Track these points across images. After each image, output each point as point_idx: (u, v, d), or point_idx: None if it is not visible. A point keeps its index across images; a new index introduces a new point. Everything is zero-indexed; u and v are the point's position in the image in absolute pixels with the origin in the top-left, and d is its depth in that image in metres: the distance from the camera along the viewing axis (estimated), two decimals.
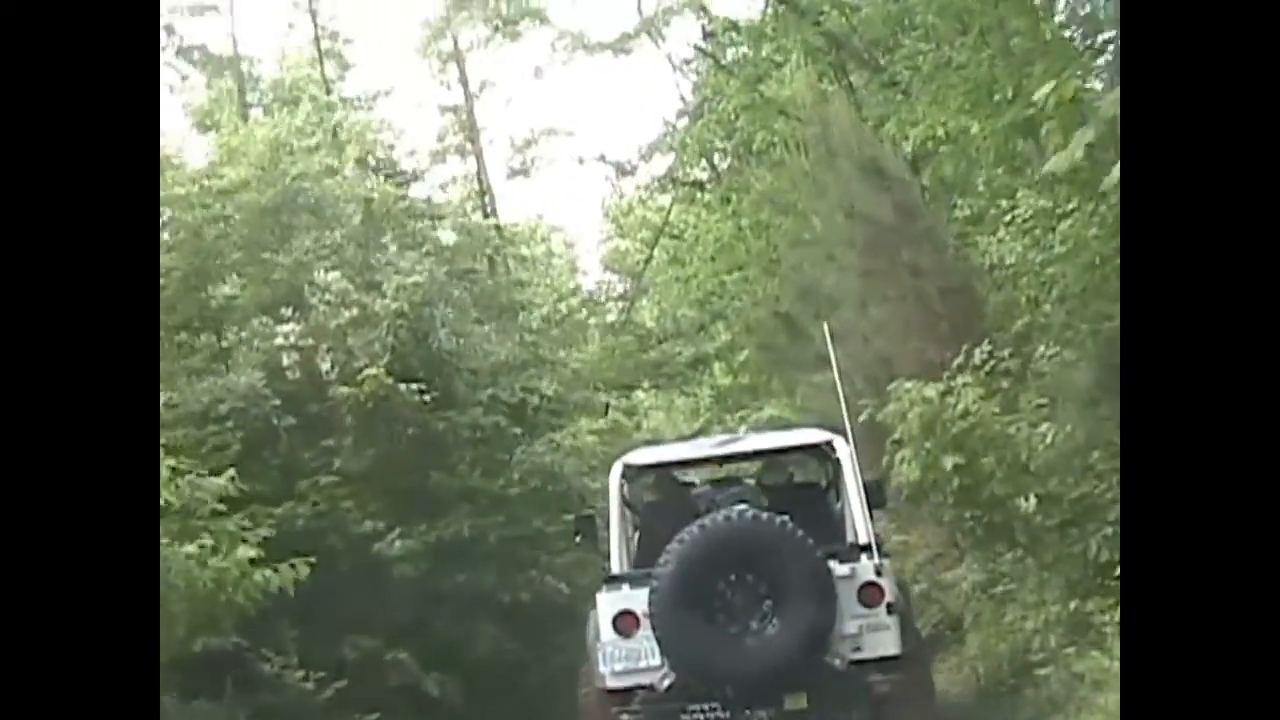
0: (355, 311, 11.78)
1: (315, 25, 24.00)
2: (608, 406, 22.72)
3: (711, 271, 22.67)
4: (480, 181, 25.83)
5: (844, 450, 8.80)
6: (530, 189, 43.24)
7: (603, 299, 27.43)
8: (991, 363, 9.29)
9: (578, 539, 9.75)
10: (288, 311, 12.02)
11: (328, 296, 12.04)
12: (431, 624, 11.82)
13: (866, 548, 8.20)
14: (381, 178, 14.93)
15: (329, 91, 21.13)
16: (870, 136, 13.53)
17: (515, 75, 28.16)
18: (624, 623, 8.10)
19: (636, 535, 9.24)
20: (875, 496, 9.01)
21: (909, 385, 9.14)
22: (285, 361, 11.58)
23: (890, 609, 8.04)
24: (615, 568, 8.59)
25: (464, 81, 25.82)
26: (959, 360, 9.26)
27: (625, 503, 9.21)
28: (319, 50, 23.82)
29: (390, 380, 10.97)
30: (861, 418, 9.27)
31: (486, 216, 25.44)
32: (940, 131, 13.11)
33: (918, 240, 12.44)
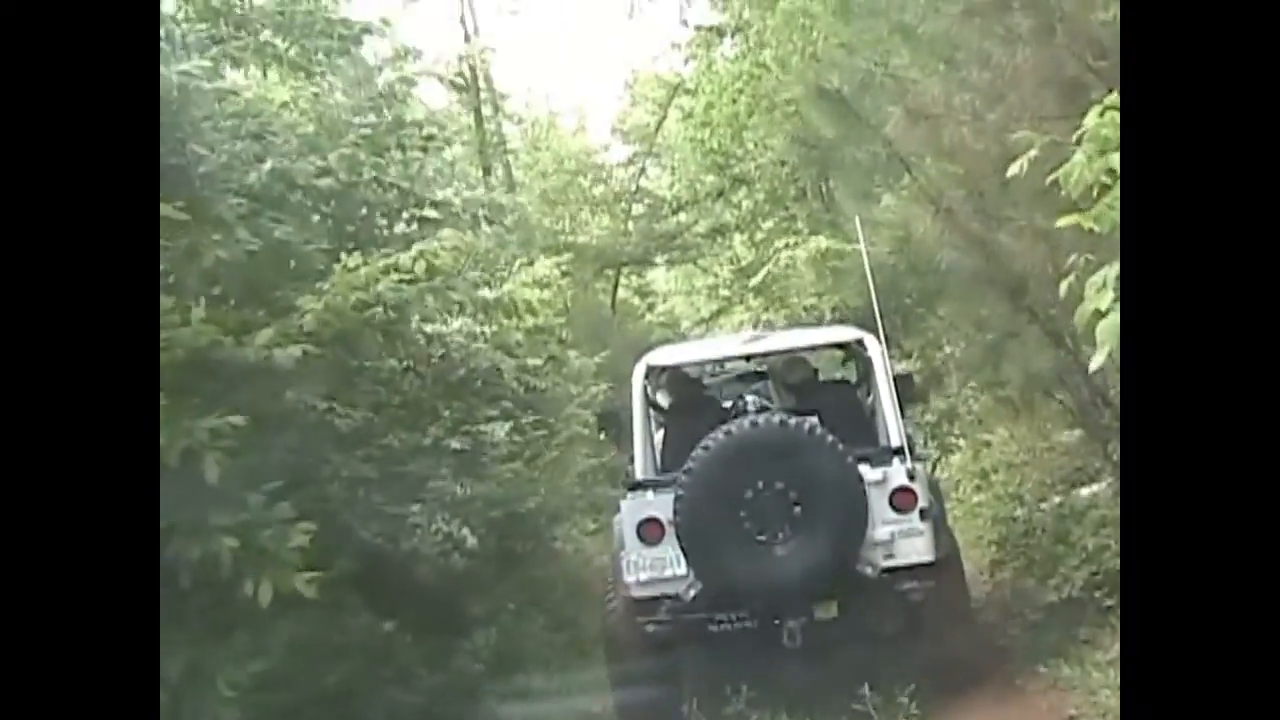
0: None
1: None
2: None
3: (730, 116, 19.62)
4: (464, 24, 20.87)
5: (875, 348, 8.40)
6: (530, 45, 37.68)
7: (612, 165, 23.91)
8: None
9: (602, 435, 9.58)
10: None
11: None
12: None
13: (899, 451, 7.81)
14: None
15: None
16: None
17: None
18: (648, 530, 7.73)
19: (661, 436, 8.88)
20: (906, 390, 8.67)
21: None
22: None
23: (923, 514, 7.66)
24: (640, 473, 8.28)
25: None
26: None
27: (650, 404, 8.90)
28: None
29: None
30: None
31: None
32: None
33: None
